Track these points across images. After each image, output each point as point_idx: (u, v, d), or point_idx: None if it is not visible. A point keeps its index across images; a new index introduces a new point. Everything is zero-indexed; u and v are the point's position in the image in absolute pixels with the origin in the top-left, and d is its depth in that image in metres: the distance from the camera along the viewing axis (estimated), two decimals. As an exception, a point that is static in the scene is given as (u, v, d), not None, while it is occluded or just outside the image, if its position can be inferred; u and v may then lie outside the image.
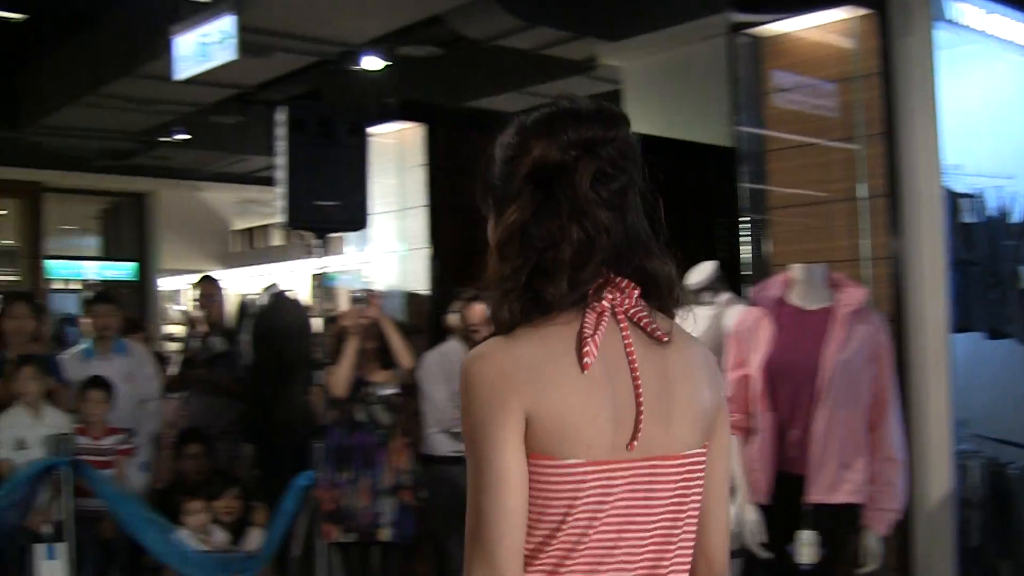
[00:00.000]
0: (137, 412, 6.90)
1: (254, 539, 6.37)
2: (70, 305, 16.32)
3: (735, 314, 4.86)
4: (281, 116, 5.93)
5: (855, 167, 5.13)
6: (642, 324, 1.86)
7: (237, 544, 6.46)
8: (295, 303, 7.78)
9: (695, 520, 1.92)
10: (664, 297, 1.91)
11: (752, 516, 4.40)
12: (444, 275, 6.61)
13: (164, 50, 10.11)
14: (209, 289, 7.48)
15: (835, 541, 4.27)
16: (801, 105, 5.39)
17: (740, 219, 5.50)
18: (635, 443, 1.81)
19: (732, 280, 5.30)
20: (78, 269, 17.51)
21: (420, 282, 6.67)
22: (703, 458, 1.90)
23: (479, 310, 5.18)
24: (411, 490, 5.75)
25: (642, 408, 1.82)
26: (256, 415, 7.04)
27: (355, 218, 6.07)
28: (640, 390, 1.82)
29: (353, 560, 5.93)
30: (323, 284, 6.31)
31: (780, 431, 4.37)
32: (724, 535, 2.02)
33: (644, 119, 8.89)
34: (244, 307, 8.47)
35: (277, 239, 19.27)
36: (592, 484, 1.80)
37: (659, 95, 8.91)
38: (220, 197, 17.22)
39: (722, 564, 2.01)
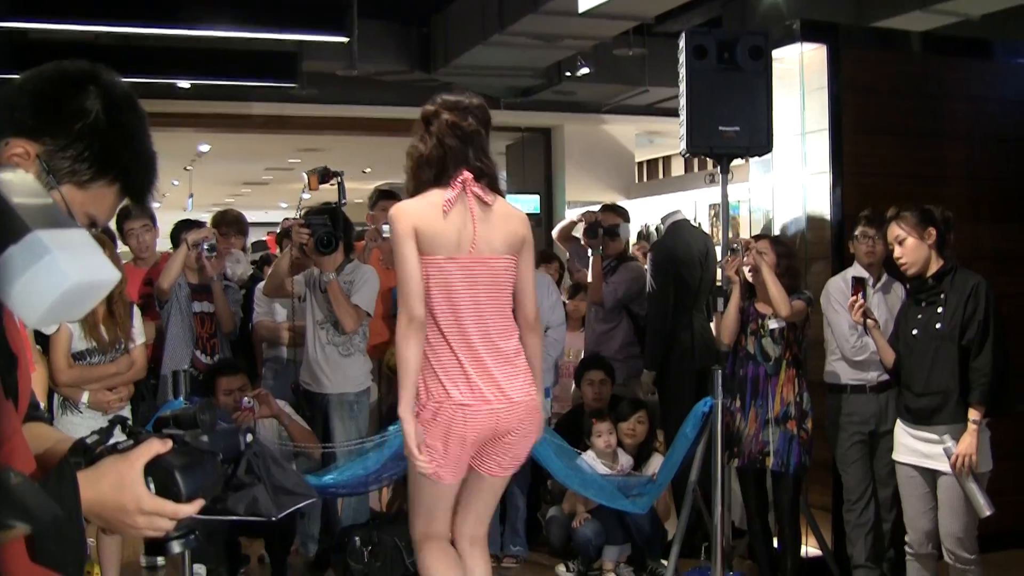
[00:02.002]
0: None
1: (654, 464, 6.44)
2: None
3: None
4: (682, 43, 5.88)
5: None
6: (478, 195, 4.08)
7: (639, 469, 6.55)
8: (696, 230, 7.72)
9: (510, 292, 4.17)
10: (492, 181, 4.16)
11: None
12: (846, 200, 6.37)
13: (567, -15, 10.25)
14: (613, 219, 7.51)
15: None
16: None
17: None
18: (472, 249, 4.03)
19: None
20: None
21: (822, 207, 6.46)
22: (513, 261, 4.14)
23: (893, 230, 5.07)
24: (796, 421, 5.66)
25: (476, 232, 4.04)
26: (656, 341, 7.05)
27: (757, 143, 5.94)
28: (475, 222, 4.07)
29: (748, 486, 5.93)
30: (722, 213, 6.19)
31: None
32: (532, 303, 4.29)
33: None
34: (645, 236, 8.49)
35: (680, 170, 19.27)
36: (452, 267, 4.01)
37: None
38: (623, 129, 17.30)
39: (534, 318, 4.28)
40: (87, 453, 1.75)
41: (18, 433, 1.66)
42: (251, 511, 4.68)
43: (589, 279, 7.49)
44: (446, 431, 3.99)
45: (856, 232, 5.92)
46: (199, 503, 1.74)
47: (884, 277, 5.87)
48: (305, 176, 6.37)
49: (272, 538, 6.46)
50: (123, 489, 1.68)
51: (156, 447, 1.72)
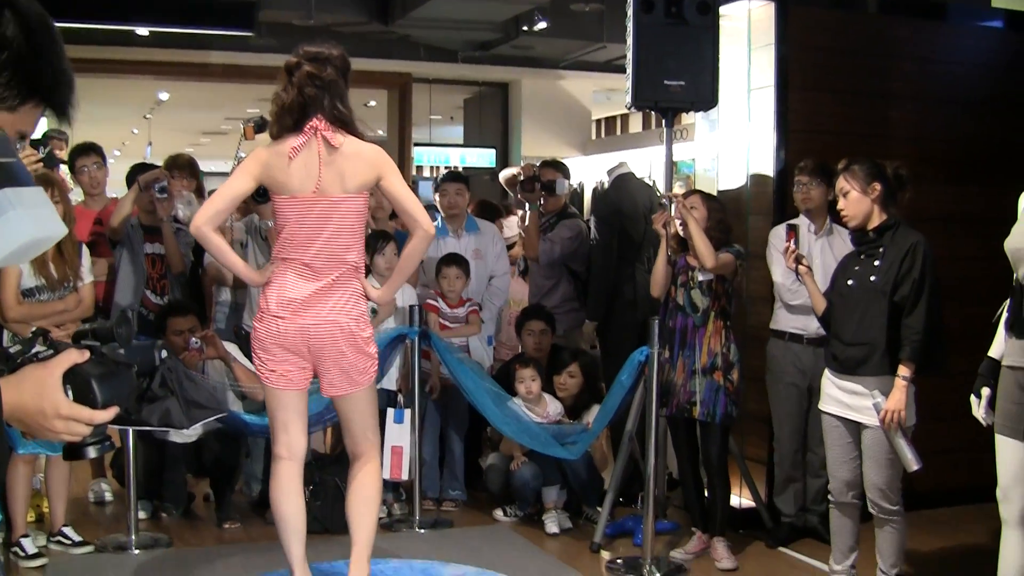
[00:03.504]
0: (485, 288, 7.20)
1: (592, 414, 6.54)
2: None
3: None
4: (631, -4, 5.93)
5: None
6: (327, 139, 4.52)
7: (577, 418, 6.66)
8: (640, 183, 7.78)
9: (354, 227, 4.65)
10: (347, 125, 4.59)
11: None
12: (790, 157, 6.45)
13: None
14: (551, 175, 7.54)
15: None
16: None
17: None
18: (316, 189, 4.54)
19: None
20: (443, 157, 18.18)
21: (766, 164, 6.54)
22: (363, 198, 4.67)
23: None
24: (723, 371, 5.77)
25: (321, 174, 4.53)
26: (600, 293, 7.16)
27: (702, 97, 6.01)
28: (321, 166, 4.52)
29: (678, 436, 6.04)
30: (666, 165, 6.26)
31: None
32: (416, 210, 4.70)
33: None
34: (595, 190, 8.54)
35: (638, 127, 19.32)
36: (294, 205, 4.58)
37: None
38: (580, 85, 17.31)
39: (419, 222, 4.69)
40: (9, 361, 1.84)
41: None
42: (164, 422, 4.93)
43: (525, 232, 7.53)
44: (266, 338, 4.66)
45: (797, 185, 6.06)
46: (114, 410, 1.82)
47: (827, 223, 5.99)
48: (242, 126, 6.43)
49: (217, 477, 6.59)
50: (43, 395, 1.77)
51: (74, 356, 1.81)
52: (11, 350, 1.87)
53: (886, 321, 4.91)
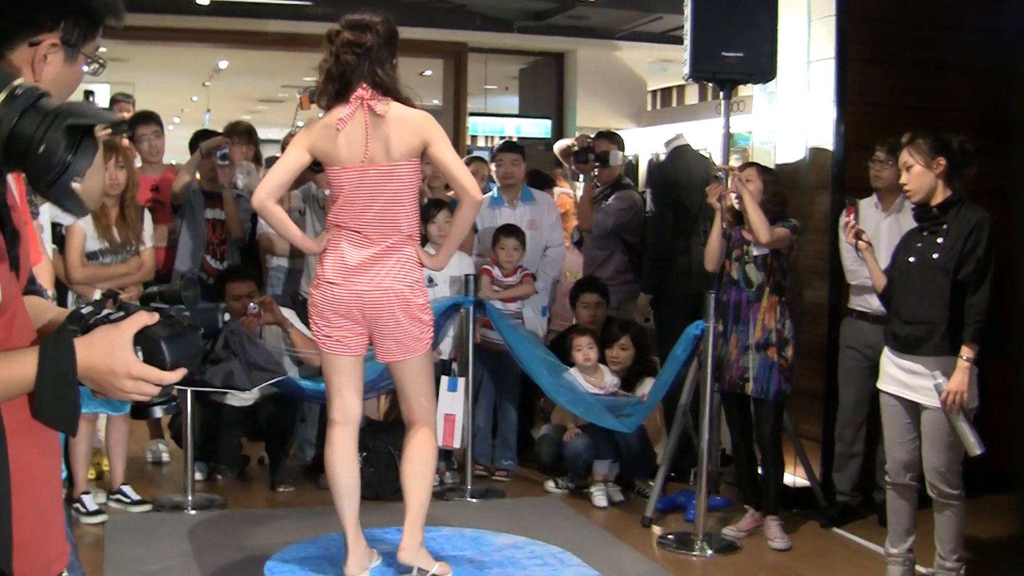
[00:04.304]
0: (539, 258, 7.22)
1: (645, 386, 6.54)
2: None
3: None
4: (688, -35, 5.89)
5: None
6: (372, 108, 4.51)
7: (630, 390, 6.66)
8: (697, 155, 7.74)
9: (405, 194, 4.63)
10: (390, 91, 4.57)
11: None
12: (849, 130, 6.39)
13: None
14: (606, 146, 7.52)
15: None
16: None
17: None
18: (364, 159, 4.55)
19: None
20: (498, 127, 18.12)
21: (825, 137, 6.49)
22: (413, 164, 4.62)
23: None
24: (777, 348, 5.72)
25: (369, 143, 4.53)
26: (655, 265, 7.15)
27: (760, 69, 5.97)
28: (368, 135, 4.53)
29: (732, 412, 6.01)
30: (723, 138, 6.21)
31: None
32: (464, 178, 4.62)
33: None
34: (651, 162, 8.50)
35: (694, 98, 19.19)
36: (345, 175, 4.61)
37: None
38: (635, 56, 17.15)
39: (468, 190, 4.61)
40: (82, 322, 1.88)
41: (19, 299, 1.86)
42: (227, 383, 5.06)
43: (578, 203, 7.56)
44: (323, 304, 4.70)
45: (873, 163, 5.99)
46: (182, 371, 1.86)
47: (898, 200, 5.88)
48: (297, 95, 6.49)
49: (272, 441, 6.67)
50: (114, 355, 1.81)
51: (144, 319, 1.85)
52: (83, 311, 1.91)
53: (948, 300, 4.81)
